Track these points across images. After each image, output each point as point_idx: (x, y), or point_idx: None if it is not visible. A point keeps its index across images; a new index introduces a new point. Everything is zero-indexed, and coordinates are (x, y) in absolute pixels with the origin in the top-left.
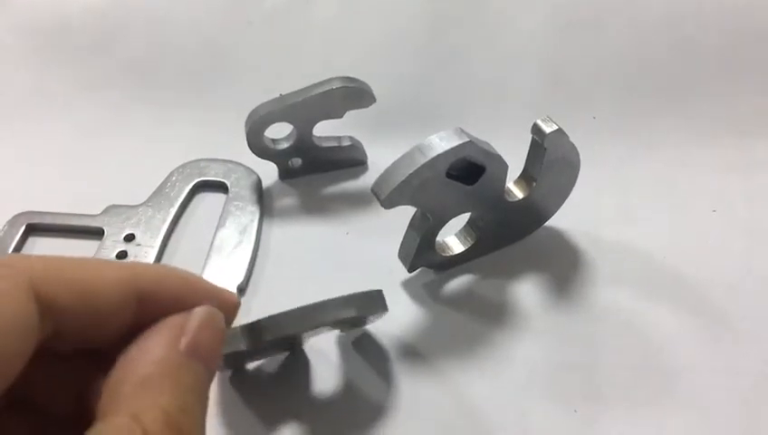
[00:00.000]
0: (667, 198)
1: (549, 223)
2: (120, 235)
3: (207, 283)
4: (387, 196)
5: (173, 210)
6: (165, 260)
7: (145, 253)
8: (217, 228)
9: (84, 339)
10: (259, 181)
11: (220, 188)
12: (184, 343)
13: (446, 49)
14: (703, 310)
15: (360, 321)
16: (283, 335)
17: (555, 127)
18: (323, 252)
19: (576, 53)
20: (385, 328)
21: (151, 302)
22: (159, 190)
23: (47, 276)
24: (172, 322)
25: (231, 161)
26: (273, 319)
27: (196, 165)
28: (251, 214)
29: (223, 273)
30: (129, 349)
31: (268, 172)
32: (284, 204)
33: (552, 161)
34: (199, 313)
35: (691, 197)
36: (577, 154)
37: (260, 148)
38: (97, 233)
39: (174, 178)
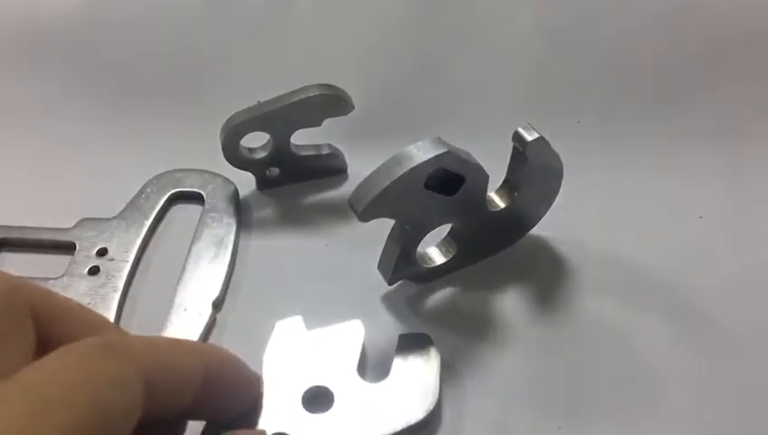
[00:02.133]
0: (652, 205)
1: (532, 232)
2: (92, 249)
3: (247, 369)
4: (364, 208)
5: (147, 223)
6: (139, 275)
7: (118, 268)
8: (193, 241)
9: (159, 413)
10: (236, 192)
11: (196, 199)
12: None
13: (428, 55)
14: (690, 319)
15: None
16: None
17: (537, 135)
18: (302, 264)
19: (560, 58)
20: (366, 342)
21: (210, 383)
22: (134, 202)
23: (151, 361)
24: None
25: (208, 172)
26: None
27: (172, 175)
28: (227, 226)
29: (199, 287)
30: None
31: (246, 182)
32: (262, 215)
33: (534, 170)
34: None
35: (677, 203)
36: (560, 162)
37: (236, 157)
38: (68, 247)
39: (149, 190)
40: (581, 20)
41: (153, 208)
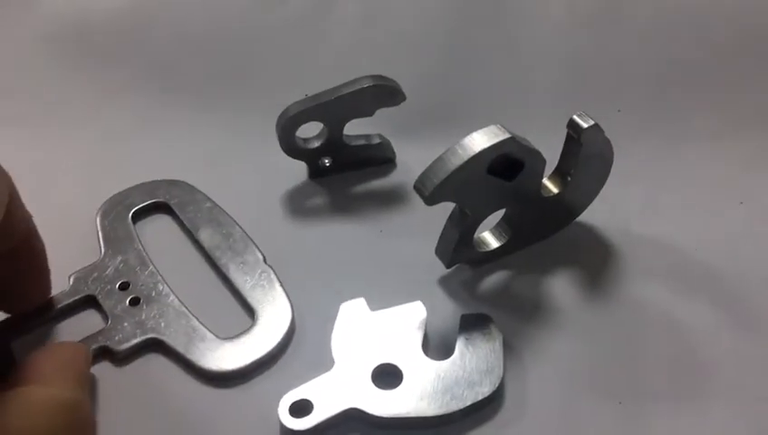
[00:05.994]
0: (694, 191)
1: (579, 218)
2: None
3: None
4: (431, 192)
5: (139, 246)
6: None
7: (153, 283)
8: (198, 234)
9: None
10: (188, 185)
11: (158, 208)
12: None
13: (470, 47)
14: (737, 302)
15: None
16: None
17: (592, 122)
18: (358, 250)
19: (600, 45)
20: (427, 323)
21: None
22: (107, 237)
23: None
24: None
25: (144, 184)
26: None
27: (120, 200)
28: (210, 208)
29: (244, 259)
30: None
31: (298, 171)
32: (315, 203)
33: (587, 156)
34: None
35: (718, 189)
36: (611, 149)
37: (292, 147)
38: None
39: (106, 223)
40: (621, 6)
41: (131, 232)
